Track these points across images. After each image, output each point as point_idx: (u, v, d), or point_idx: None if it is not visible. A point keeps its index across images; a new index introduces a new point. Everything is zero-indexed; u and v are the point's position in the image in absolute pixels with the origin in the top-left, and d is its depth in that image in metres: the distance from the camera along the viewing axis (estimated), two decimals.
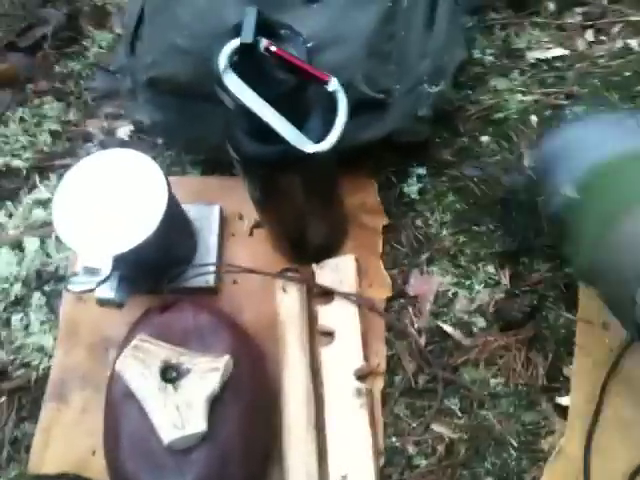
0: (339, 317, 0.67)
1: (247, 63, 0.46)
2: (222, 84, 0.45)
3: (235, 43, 0.45)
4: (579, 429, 0.61)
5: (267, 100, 0.46)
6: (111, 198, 0.60)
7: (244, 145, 0.51)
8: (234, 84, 0.45)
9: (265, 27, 0.46)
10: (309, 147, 0.44)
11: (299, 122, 0.48)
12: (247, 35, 0.44)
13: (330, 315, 0.68)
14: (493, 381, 0.65)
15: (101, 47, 0.89)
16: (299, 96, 0.49)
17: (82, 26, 0.90)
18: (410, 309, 0.68)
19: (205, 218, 0.72)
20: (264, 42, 0.44)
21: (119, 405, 0.56)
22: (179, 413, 0.53)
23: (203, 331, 0.58)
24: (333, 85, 0.45)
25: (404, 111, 0.69)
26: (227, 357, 0.57)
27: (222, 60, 0.45)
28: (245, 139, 0.51)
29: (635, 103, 0.76)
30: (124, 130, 0.82)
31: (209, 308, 0.63)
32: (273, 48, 0.44)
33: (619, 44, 0.81)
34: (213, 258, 0.70)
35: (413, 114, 0.69)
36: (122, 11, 0.88)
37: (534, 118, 0.76)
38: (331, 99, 0.47)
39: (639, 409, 0.62)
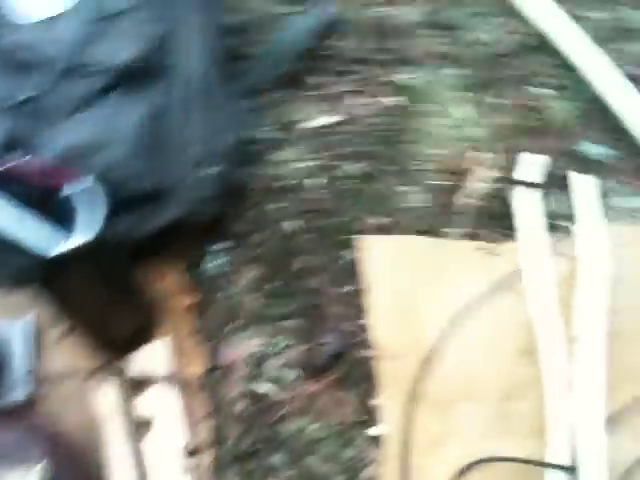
0: (158, 402, 0.69)
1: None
2: None
3: None
4: (394, 455, 0.66)
5: (27, 206, 0.49)
6: None
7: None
8: None
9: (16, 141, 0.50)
10: (52, 250, 0.48)
11: (63, 224, 0.51)
12: None
13: (149, 402, 0.69)
14: (311, 428, 0.69)
15: None
16: (52, 201, 0.52)
17: None
18: (226, 378, 0.72)
19: (13, 332, 0.73)
20: None
21: None
22: None
23: (9, 449, 0.58)
24: (70, 189, 0.49)
25: (187, 196, 0.74)
26: (40, 465, 0.57)
27: None
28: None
29: (398, 150, 0.85)
30: None
31: (17, 423, 0.63)
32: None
33: (381, 103, 0.90)
34: (24, 370, 0.70)
35: (198, 197, 0.75)
36: None
37: (309, 181, 0.84)
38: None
39: (446, 424, 0.69)
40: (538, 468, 0.65)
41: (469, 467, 0.65)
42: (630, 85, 0.78)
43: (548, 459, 0.65)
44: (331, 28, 0.93)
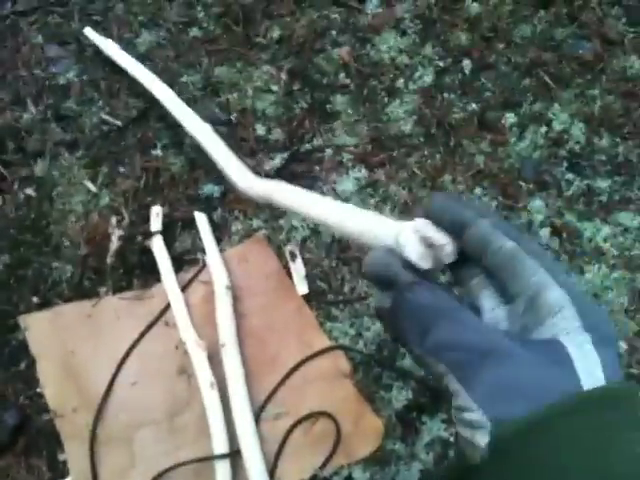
0: None
1: None
2: None
3: None
4: None
5: None
6: None
7: None
8: None
9: None
10: None
11: None
12: None
13: None
14: None
15: None
16: None
17: None
18: None
19: None
20: None
21: None
22: None
23: None
24: None
25: None
26: None
27: None
28: None
29: (47, 232, 0.95)
30: None
31: None
32: None
33: (20, 196, 1.00)
34: None
35: None
36: None
37: None
38: None
39: (129, 455, 0.79)
40: (211, 463, 0.78)
41: None
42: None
43: (215, 452, 0.78)
44: None
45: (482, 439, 0.32)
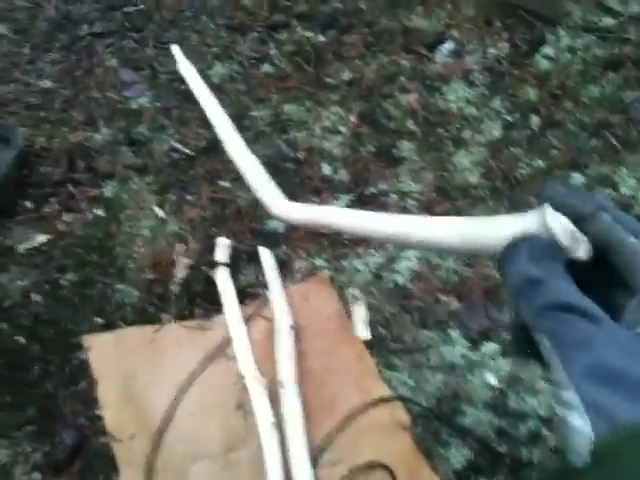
0: None
1: None
2: None
3: None
4: None
5: None
6: None
7: None
8: None
9: None
10: None
11: None
12: None
13: None
14: None
15: None
16: None
17: None
18: None
19: None
20: None
21: None
22: None
23: None
24: None
25: None
26: None
27: None
28: None
29: (113, 254, 0.96)
30: None
31: None
32: None
33: (88, 215, 1.01)
34: None
35: None
36: None
37: (36, 296, 0.92)
38: None
39: None
40: None
41: None
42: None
43: None
44: (24, 157, 1.03)
45: (575, 420, 0.30)
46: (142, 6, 1.32)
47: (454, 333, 0.91)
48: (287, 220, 0.66)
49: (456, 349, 0.90)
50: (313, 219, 0.57)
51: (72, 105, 1.16)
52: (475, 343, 0.91)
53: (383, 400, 0.85)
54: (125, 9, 1.31)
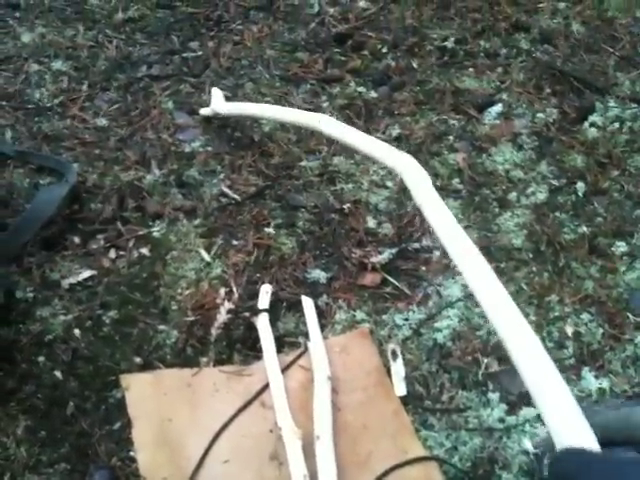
0: None
1: None
2: None
3: None
4: None
5: None
6: None
7: None
8: None
9: None
10: None
11: None
12: None
13: None
14: None
15: None
16: None
17: None
18: None
19: None
20: None
21: None
22: None
23: None
24: None
25: None
26: None
27: None
28: None
29: (156, 294, 0.97)
30: None
31: None
32: None
33: (135, 254, 1.03)
34: None
35: None
36: None
37: (77, 331, 0.93)
38: None
39: None
40: None
41: None
42: None
43: None
44: (76, 193, 1.06)
45: None
46: (200, 52, 1.36)
47: (493, 395, 0.90)
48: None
49: (494, 412, 0.88)
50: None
51: (126, 144, 1.19)
52: (513, 407, 0.89)
53: (418, 459, 0.83)
54: (184, 54, 1.35)
